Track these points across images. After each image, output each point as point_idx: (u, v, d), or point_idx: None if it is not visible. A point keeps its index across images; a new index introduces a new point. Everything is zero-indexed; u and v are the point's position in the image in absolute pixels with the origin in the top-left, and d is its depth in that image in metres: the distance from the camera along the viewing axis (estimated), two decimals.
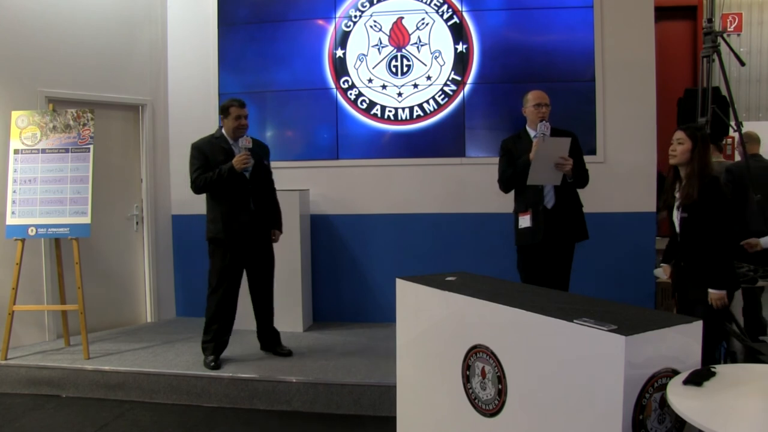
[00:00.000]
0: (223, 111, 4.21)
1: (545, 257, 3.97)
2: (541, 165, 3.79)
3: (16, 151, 4.56)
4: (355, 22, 5.33)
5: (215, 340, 4.22)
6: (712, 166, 3.16)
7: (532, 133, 3.95)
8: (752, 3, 10.57)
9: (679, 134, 3.19)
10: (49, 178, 4.54)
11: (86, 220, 4.49)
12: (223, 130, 4.22)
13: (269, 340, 4.46)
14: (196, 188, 4.14)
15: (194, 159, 4.16)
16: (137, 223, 5.44)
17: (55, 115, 4.61)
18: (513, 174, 3.94)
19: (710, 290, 3.10)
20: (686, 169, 3.16)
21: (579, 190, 4.05)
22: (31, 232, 4.48)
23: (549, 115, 3.96)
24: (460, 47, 5.22)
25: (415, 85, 5.28)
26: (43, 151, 4.58)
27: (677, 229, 3.24)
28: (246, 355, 4.39)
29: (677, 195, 3.22)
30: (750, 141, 5.00)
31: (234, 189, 4.12)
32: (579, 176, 3.95)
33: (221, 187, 4.10)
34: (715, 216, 3.08)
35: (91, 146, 4.58)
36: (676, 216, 3.23)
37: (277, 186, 4.46)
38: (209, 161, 4.11)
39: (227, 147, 4.17)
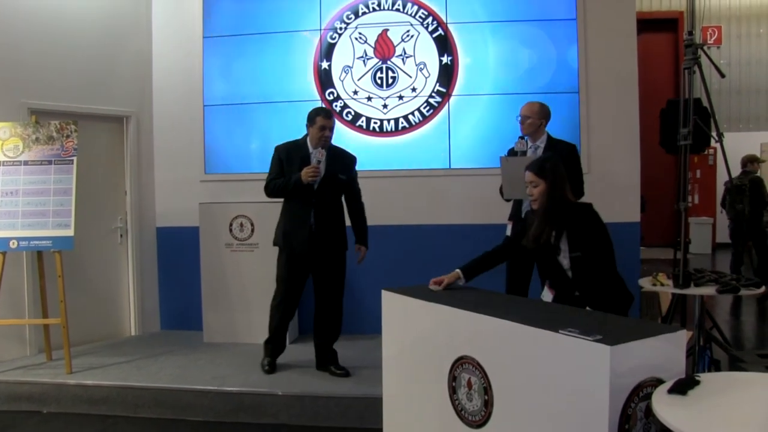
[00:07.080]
0: (310, 119, 4.09)
1: (527, 266, 4.06)
2: (510, 182, 3.88)
3: None
4: (340, 35, 5.35)
5: (272, 342, 4.33)
6: (567, 196, 2.95)
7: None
8: (731, 16, 10.80)
9: (529, 176, 2.96)
10: (32, 190, 4.49)
11: (69, 232, 4.44)
12: (308, 138, 4.13)
13: (326, 358, 4.32)
14: (267, 193, 4.17)
15: (272, 162, 4.18)
16: (121, 235, 5.40)
17: (37, 127, 4.56)
18: (501, 187, 4.07)
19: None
20: (540, 210, 2.96)
21: None
22: (13, 244, 4.42)
23: (532, 127, 4.05)
24: (445, 59, 5.25)
25: (400, 97, 5.29)
26: (26, 162, 4.53)
27: (564, 266, 2.97)
28: (232, 368, 4.36)
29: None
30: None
31: (297, 201, 4.09)
32: None
33: (288, 196, 4.12)
34: (599, 242, 2.94)
35: (75, 158, 4.54)
36: (563, 257, 2.97)
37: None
38: (284, 166, 4.10)
39: (305, 155, 4.08)
